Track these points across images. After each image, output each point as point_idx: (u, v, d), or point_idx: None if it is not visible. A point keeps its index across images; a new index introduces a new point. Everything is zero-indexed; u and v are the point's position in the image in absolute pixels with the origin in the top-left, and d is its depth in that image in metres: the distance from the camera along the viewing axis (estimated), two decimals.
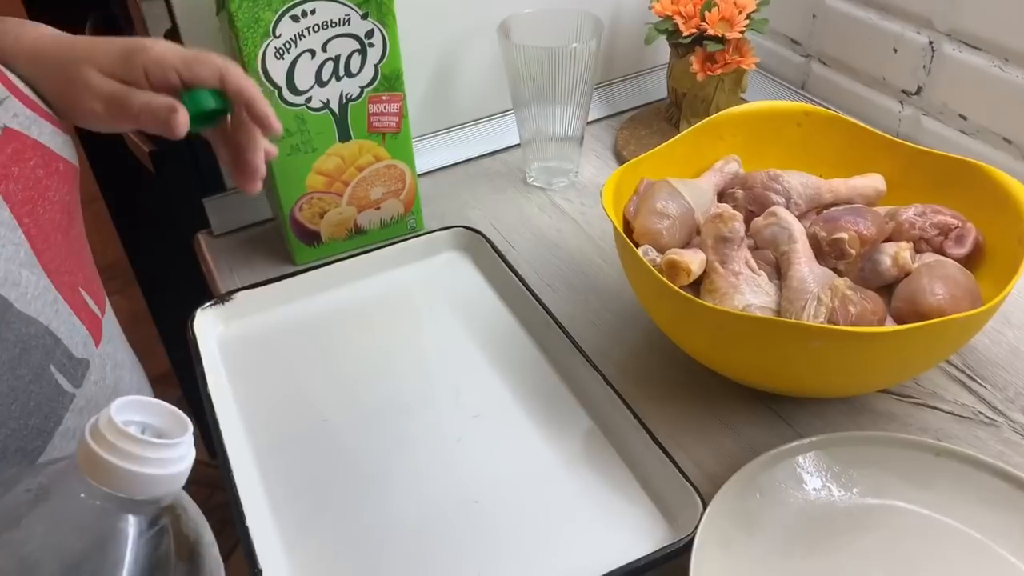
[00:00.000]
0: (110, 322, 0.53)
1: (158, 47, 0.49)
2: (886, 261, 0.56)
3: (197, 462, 0.33)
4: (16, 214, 0.44)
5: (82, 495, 0.30)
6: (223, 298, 0.65)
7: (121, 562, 0.31)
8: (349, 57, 0.63)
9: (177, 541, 0.32)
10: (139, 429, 0.31)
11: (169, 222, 0.67)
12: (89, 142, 1.24)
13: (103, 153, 1.24)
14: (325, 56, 0.63)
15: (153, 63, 0.49)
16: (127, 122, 0.48)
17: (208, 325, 0.64)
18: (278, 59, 0.61)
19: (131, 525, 0.31)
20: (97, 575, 0.30)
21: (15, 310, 0.43)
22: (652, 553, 0.46)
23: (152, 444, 0.30)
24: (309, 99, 0.64)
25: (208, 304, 0.65)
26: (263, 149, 0.53)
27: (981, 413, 0.57)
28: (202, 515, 0.34)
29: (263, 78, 0.62)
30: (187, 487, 0.33)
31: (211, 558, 0.34)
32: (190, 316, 0.63)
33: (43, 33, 0.51)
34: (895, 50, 0.81)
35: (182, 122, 0.47)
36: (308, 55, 0.62)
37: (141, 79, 0.49)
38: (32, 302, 0.44)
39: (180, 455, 0.31)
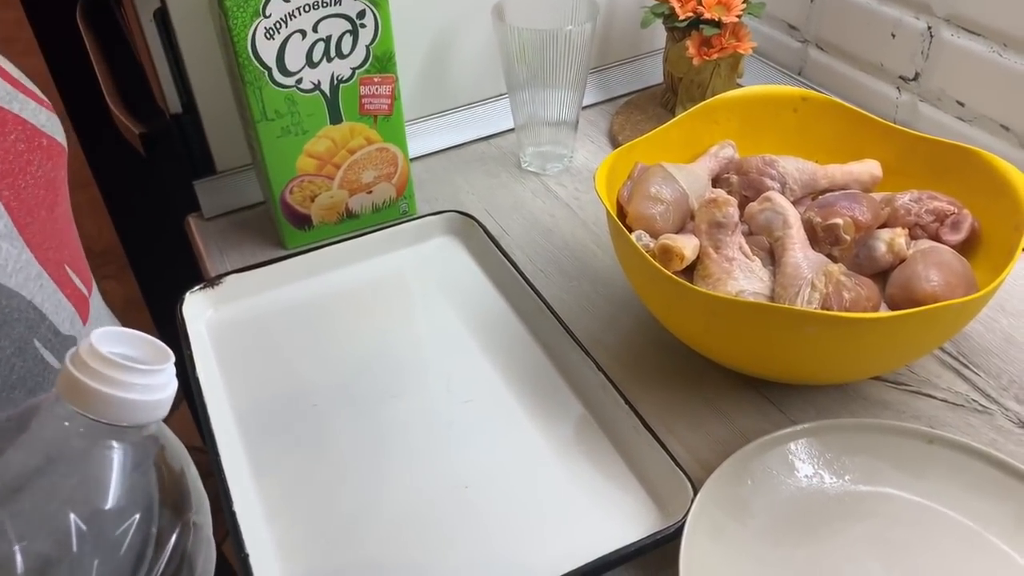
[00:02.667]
0: (98, 303, 0.53)
1: None
2: (881, 247, 0.55)
3: (188, 448, 0.33)
4: None
5: (65, 423, 0.30)
6: (212, 282, 0.65)
7: (106, 489, 0.30)
8: (340, 38, 0.63)
9: (160, 472, 0.32)
10: (120, 359, 0.31)
11: (161, 205, 0.66)
12: (80, 125, 1.23)
13: (94, 135, 1.23)
14: (316, 37, 0.62)
15: None
16: None
17: (197, 309, 0.64)
18: (268, 39, 0.61)
19: (115, 452, 0.31)
20: (82, 502, 0.30)
21: None
22: (642, 539, 0.46)
23: (134, 370, 0.30)
24: (299, 80, 0.63)
25: (197, 288, 0.64)
26: None
27: (975, 401, 0.56)
28: (185, 450, 0.34)
29: (253, 58, 0.61)
30: None
31: (196, 491, 0.34)
32: (180, 300, 0.63)
33: None
34: (893, 35, 0.80)
35: None
36: (299, 35, 0.61)
37: None
38: (13, 275, 0.44)
39: (162, 382, 0.31)
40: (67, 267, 0.49)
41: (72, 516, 0.30)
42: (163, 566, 0.31)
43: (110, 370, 0.30)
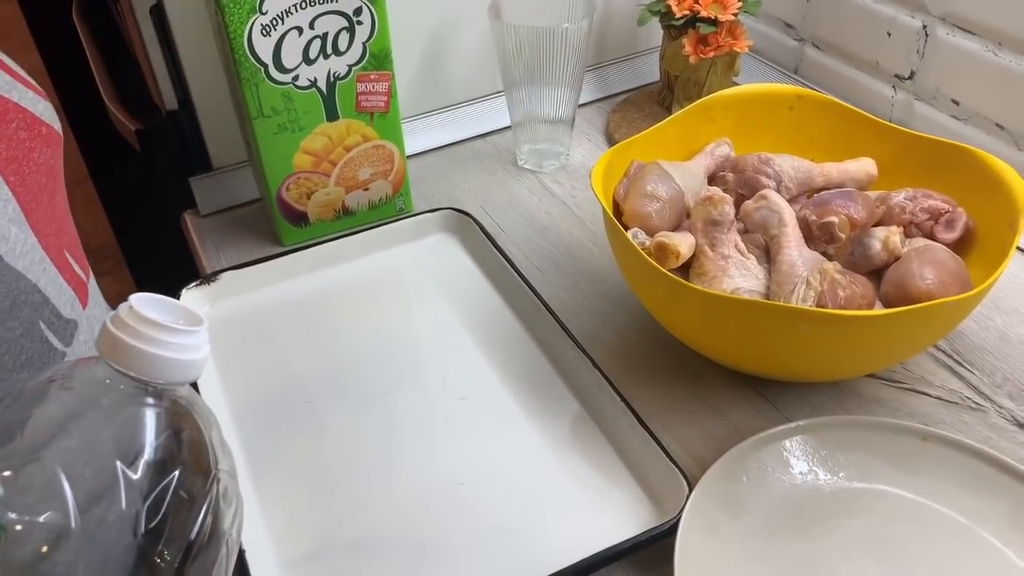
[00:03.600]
0: (95, 289, 0.53)
1: None
2: (876, 245, 0.56)
3: None
4: (2, 172, 0.44)
5: (107, 380, 0.32)
6: (208, 278, 0.65)
7: (143, 444, 0.32)
8: (337, 35, 0.63)
9: (190, 435, 0.34)
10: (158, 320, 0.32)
11: (157, 202, 0.66)
12: (76, 121, 1.23)
13: (90, 132, 1.23)
14: (313, 33, 0.62)
15: None
16: None
17: (193, 305, 0.63)
18: (264, 36, 0.61)
19: (151, 410, 0.33)
20: (121, 454, 0.31)
21: (4, 263, 0.43)
22: (637, 535, 0.46)
23: (172, 329, 0.32)
24: (296, 77, 0.63)
25: (193, 284, 0.64)
26: None
27: (968, 398, 0.57)
28: (214, 415, 0.36)
29: (249, 55, 0.61)
30: None
31: (225, 453, 0.35)
32: (175, 296, 0.63)
33: None
34: (889, 34, 0.80)
35: None
36: (295, 32, 0.61)
37: None
38: (20, 258, 0.45)
39: (197, 343, 0.33)
40: (67, 253, 0.49)
41: (118, 463, 0.31)
42: (198, 525, 0.32)
43: (149, 329, 0.32)
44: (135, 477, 0.31)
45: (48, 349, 0.46)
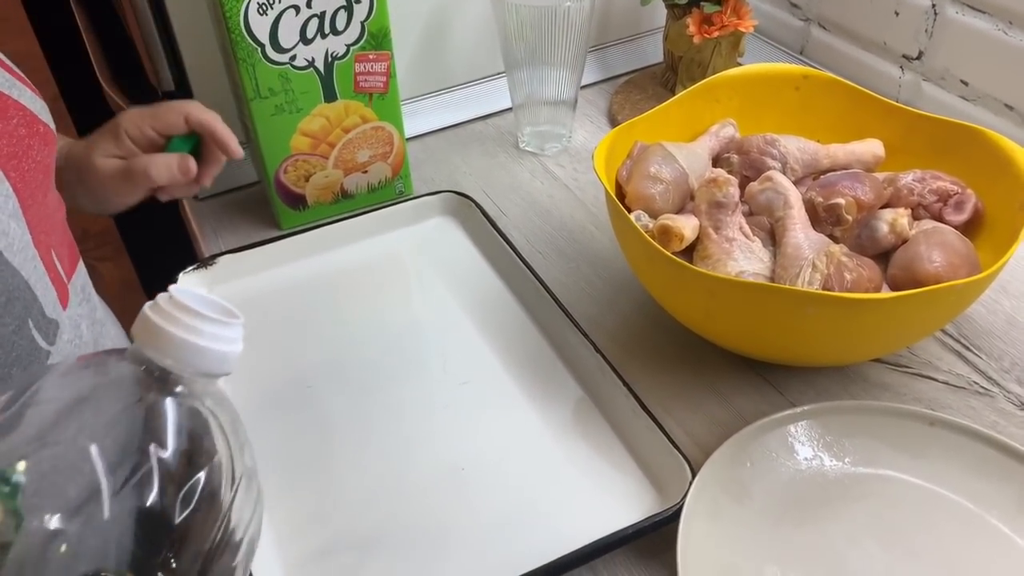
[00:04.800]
0: (80, 285, 0.53)
1: (127, 115, 0.59)
2: (883, 228, 0.55)
3: None
4: (3, 168, 0.44)
5: (142, 368, 0.32)
6: (206, 262, 0.64)
7: (173, 432, 0.32)
8: (335, 14, 0.61)
9: (219, 430, 0.34)
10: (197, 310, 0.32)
11: None
12: (73, 104, 1.22)
13: (86, 114, 1.22)
14: (310, 12, 0.61)
15: (132, 128, 0.58)
16: (143, 183, 0.58)
17: (192, 287, 0.63)
18: (261, 15, 0.60)
19: (183, 402, 0.33)
20: (140, 441, 0.31)
21: (3, 258, 0.43)
22: (640, 521, 0.46)
23: (208, 318, 0.32)
24: (293, 57, 0.62)
25: (191, 268, 0.63)
26: (219, 166, 0.62)
27: (976, 383, 0.56)
28: (236, 412, 0.35)
29: (245, 35, 0.60)
30: None
31: (248, 446, 0.35)
32: (173, 280, 0.62)
33: (59, 151, 0.59)
34: (897, 13, 0.79)
35: (191, 168, 0.58)
36: (292, 11, 0.60)
37: (130, 145, 0.59)
38: (16, 254, 0.44)
39: (233, 336, 0.33)
40: (53, 252, 0.49)
41: (152, 450, 0.31)
42: (223, 522, 0.32)
43: (187, 317, 0.32)
44: (162, 470, 0.31)
45: (35, 348, 0.46)
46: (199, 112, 0.59)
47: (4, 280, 0.43)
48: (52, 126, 0.51)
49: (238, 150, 0.60)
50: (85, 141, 0.60)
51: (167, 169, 0.57)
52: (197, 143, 0.61)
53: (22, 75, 0.50)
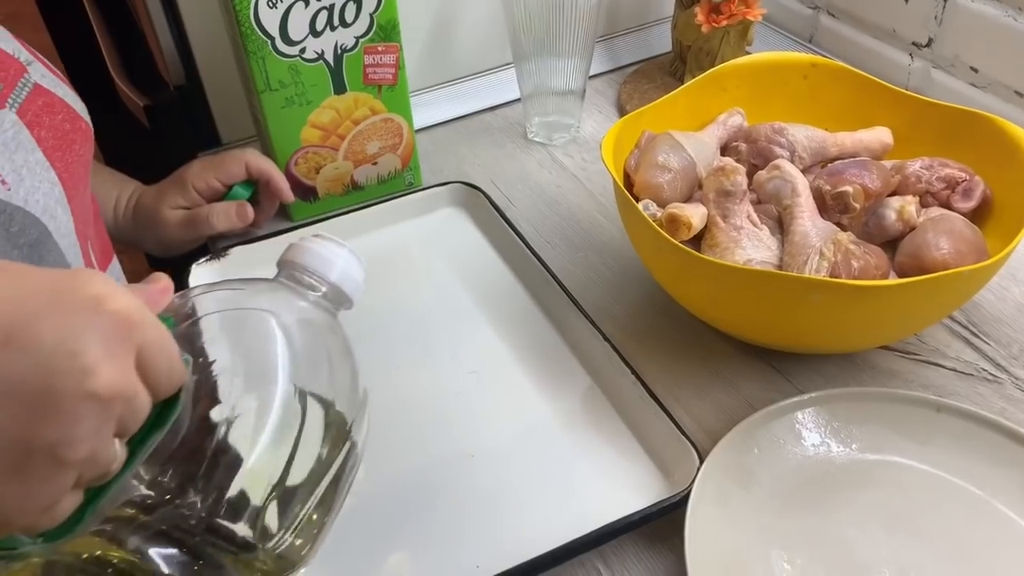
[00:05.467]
0: (114, 279, 0.54)
1: (194, 167, 0.66)
2: (891, 215, 0.55)
3: None
4: (49, 158, 0.46)
5: (309, 295, 0.40)
6: (218, 253, 0.65)
7: (339, 354, 0.39)
8: (344, 6, 0.62)
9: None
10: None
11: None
12: (84, 97, 1.23)
13: (98, 108, 1.23)
14: (319, 5, 0.61)
15: (198, 181, 0.65)
16: (206, 230, 0.65)
17: (203, 281, 0.63)
18: (271, 8, 0.60)
19: (336, 322, 0.40)
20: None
21: (53, 240, 0.45)
22: (648, 507, 0.46)
23: (345, 247, 0.41)
24: (303, 50, 0.62)
25: (203, 259, 0.64)
26: (274, 209, 0.69)
27: (984, 370, 0.56)
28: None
29: (255, 28, 0.60)
30: None
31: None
32: (186, 272, 0.63)
33: (129, 201, 0.67)
34: (906, 1, 0.79)
35: (249, 214, 0.66)
36: (301, 4, 0.61)
37: (196, 197, 0.65)
38: (62, 239, 0.46)
39: (361, 268, 0.42)
40: (90, 244, 0.51)
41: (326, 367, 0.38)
42: (344, 454, 0.38)
43: (323, 242, 0.41)
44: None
45: None
46: (257, 160, 0.65)
47: (52, 262, 0.45)
48: (90, 124, 0.53)
49: (290, 196, 0.67)
50: (154, 190, 0.66)
51: (227, 218, 0.65)
52: (256, 190, 0.67)
53: (62, 76, 0.52)
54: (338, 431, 0.37)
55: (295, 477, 0.35)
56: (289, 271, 0.40)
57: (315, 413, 0.36)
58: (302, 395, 0.36)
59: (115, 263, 0.55)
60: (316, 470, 0.36)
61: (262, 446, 0.34)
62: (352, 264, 0.41)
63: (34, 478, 0.25)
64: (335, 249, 0.41)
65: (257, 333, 0.37)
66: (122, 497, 0.31)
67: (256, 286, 0.40)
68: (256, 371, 0.36)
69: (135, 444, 0.30)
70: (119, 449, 0.28)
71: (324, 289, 0.40)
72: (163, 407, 0.30)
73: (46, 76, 0.49)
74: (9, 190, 0.41)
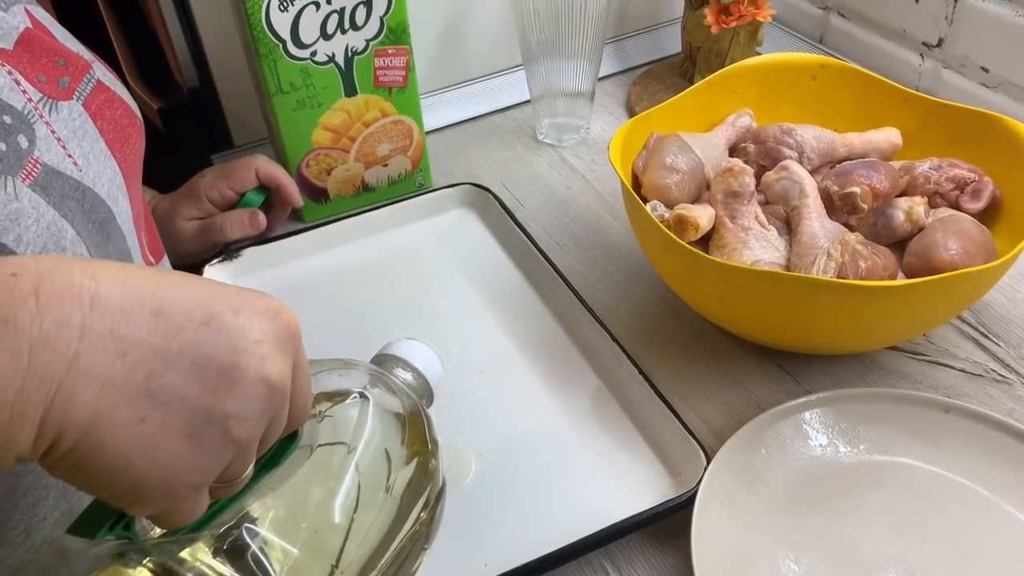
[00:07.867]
0: None
1: (206, 177, 0.67)
2: (899, 216, 0.55)
3: None
4: (110, 148, 0.47)
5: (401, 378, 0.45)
6: (231, 254, 0.65)
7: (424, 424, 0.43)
8: (354, 9, 0.62)
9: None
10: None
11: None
12: None
13: None
14: (330, 8, 0.62)
15: (211, 191, 0.66)
16: (220, 239, 0.66)
17: (217, 280, 0.64)
18: (282, 11, 0.61)
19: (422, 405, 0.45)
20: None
21: (116, 224, 0.46)
22: (655, 507, 0.46)
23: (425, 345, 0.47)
24: (314, 53, 0.63)
25: (216, 260, 0.65)
26: (286, 214, 0.71)
27: (994, 371, 0.56)
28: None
29: (267, 31, 0.61)
30: None
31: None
32: (198, 272, 0.64)
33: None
34: (916, 1, 0.78)
35: (261, 222, 0.67)
36: (312, 7, 0.61)
37: (209, 207, 0.67)
38: (123, 223, 0.47)
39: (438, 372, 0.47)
40: (143, 235, 0.52)
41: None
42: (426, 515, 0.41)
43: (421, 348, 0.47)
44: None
45: None
46: (267, 167, 0.67)
47: (115, 247, 0.46)
48: (143, 123, 0.54)
49: (299, 200, 0.69)
50: (168, 201, 0.68)
51: (240, 226, 0.66)
52: (268, 195, 0.68)
53: (118, 76, 0.53)
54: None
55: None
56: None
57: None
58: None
59: (165, 261, 0.56)
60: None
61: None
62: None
63: (206, 447, 0.29)
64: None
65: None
66: (226, 523, 0.33)
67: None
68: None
69: (257, 469, 0.32)
70: (251, 467, 0.32)
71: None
72: (280, 444, 0.33)
73: (106, 75, 0.50)
74: (81, 171, 0.43)
